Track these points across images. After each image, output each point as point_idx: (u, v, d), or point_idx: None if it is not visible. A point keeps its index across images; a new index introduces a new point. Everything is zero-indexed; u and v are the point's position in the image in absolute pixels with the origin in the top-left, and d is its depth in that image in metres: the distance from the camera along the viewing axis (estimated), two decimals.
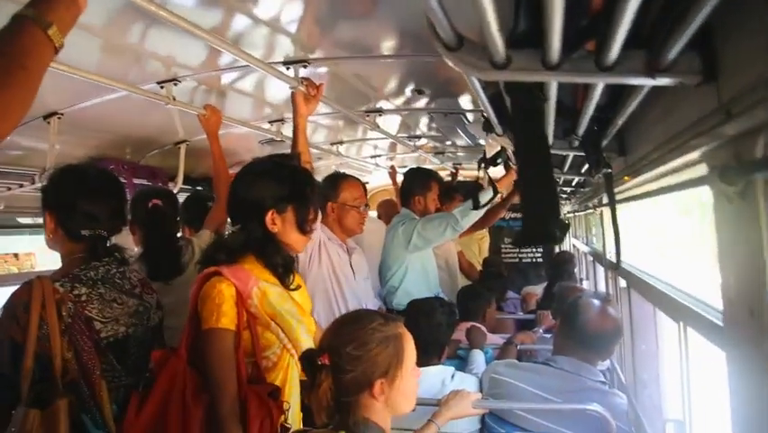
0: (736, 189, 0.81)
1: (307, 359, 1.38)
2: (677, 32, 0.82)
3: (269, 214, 1.68)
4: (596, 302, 2.18)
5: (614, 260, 2.52)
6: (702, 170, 1.02)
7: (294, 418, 1.69)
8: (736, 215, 0.84)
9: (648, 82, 0.93)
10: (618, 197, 1.61)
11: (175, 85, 2.19)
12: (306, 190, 1.74)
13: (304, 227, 1.74)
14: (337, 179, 2.78)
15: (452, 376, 2.28)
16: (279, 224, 1.69)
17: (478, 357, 2.67)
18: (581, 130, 1.50)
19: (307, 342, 1.68)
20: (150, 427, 1.49)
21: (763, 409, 0.79)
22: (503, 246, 6.13)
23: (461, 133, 3.34)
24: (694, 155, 1.04)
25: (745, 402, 0.87)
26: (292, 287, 1.73)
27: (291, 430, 1.59)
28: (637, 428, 1.91)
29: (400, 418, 1.91)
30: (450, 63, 1.00)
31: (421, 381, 2.08)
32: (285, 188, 1.69)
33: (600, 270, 3.27)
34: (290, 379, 1.68)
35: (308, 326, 1.73)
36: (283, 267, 1.71)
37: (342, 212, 2.70)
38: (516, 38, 0.91)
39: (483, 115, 1.98)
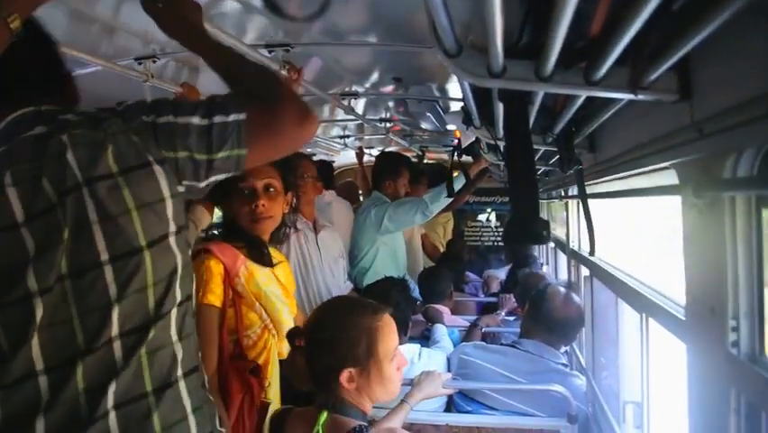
0: (706, 202, 0.90)
1: (289, 337, 1.46)
2: (661, 57, 0.90)
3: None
4: (562, 290, 2.34)
5: (576, 248, 2.67)
6: (672, 177, 1.11)
7: (275, 395, 1.75)
8: (704, 224, 0.93)
9: (630, 97, 1.01)
10: (588, 191, 1.70)
11: (153, 62, 2.15)
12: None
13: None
14: None
15: (420, 354, 2.39)
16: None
17: (439, 330, 2.81)
18: (558, 129, 1.58)
19: (289, 323, 1.73)
20: None
21: (719, 396, 0.90)
22: (466, 229, 6.26)
23: (433, 119, 3.41)
24: (664, 164, 1.13)
25: (702, 391, 0.98)
26: (274, 262, 1.79)
27: (271, 407, 1.65)
28: (595, 407, 2.05)
29: None
30: (448, 68, 1.05)
31: None
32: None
33: (562, 257, 3.41)
34: (271, 358, 1.74)
35: (291, 307, 1.78)
36: (248, 245, 1.74)
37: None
38: (514, 50, 0.97)
39: (462, 107, 2.04)
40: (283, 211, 1.85)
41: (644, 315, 1.42)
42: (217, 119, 1.03)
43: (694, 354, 1.01)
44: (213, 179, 1.06)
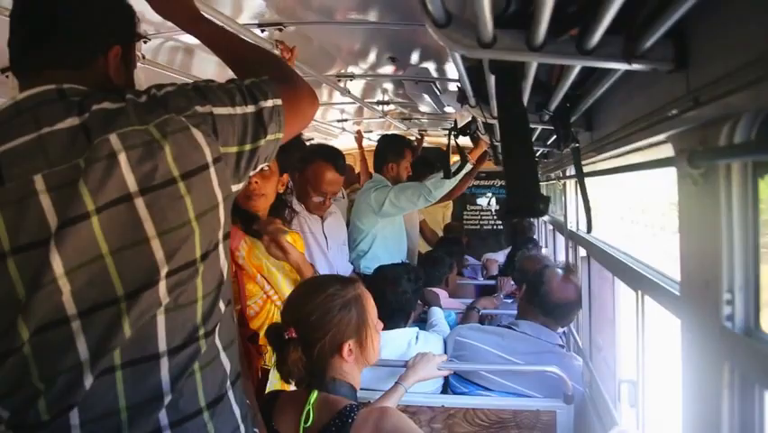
0: (701, 172, 0.88)
1: (274, 333, 1.42)
2: (655, 24, 0.87)
3: None
4: (560, 272, 2.32)
5: (575, 229, 2.65)
6: (667, 150, 1.08)
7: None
8: (699, 195, 0.91)
9: (624, 67, 0.98)
10: (585, 170, 1.68)
11: (144, 43, 2.12)
12: None
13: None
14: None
15: (417, 337, 2.38)
16: None
17: (436, 313, 2.82)
18: (554, 105, 1.55)
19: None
20: None
21: (713, 371, 0.88)
22: (465, 213, 6.24)
23: (430, 101, 3.37)
24: (660, 137, 1.11)
25: (696, 365, 0.97)
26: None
27: (269, 386, 1.66)
28: (591, 387, 2.05)
29: (369, 379, 2.00)
30: (437, 39, 1.02)
31: (387, 343, 2.17)
32: None
33: (560, 238, 3.40)
34: None
35: (293, 279, 1.80)
36: (243, 221, 1.78)
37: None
38: (503, 19, 0.94)
39: (458, 87, 2.01)
40: (277, 191, 1.88)
41: (639, 292, 1.41)
42: (263, 104, 1.00)
43: (688, 329, 1.00)
44: (260, 166, 1.03)
